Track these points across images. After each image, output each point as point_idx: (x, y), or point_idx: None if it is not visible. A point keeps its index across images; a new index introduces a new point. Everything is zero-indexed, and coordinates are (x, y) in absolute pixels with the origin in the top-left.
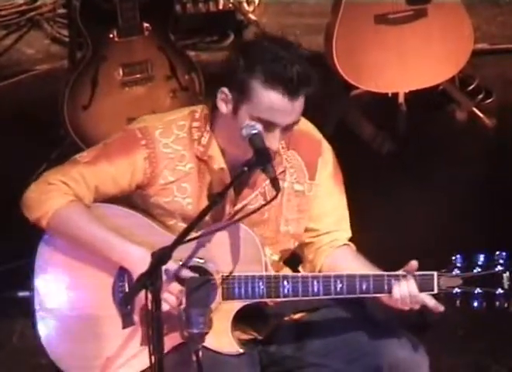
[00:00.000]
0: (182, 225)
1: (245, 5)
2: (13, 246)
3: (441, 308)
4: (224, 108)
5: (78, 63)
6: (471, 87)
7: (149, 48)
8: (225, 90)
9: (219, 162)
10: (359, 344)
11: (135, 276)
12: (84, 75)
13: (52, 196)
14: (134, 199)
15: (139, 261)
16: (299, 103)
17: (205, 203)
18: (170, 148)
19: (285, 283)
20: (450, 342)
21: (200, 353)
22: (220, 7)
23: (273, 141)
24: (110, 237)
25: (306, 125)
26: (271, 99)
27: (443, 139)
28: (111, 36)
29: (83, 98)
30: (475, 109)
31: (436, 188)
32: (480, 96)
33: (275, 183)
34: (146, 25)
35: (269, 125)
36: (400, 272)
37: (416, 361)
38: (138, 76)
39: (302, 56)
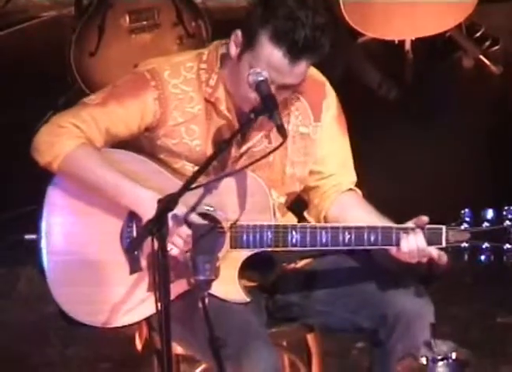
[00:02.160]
0: (189, 168)
1: None
2: (19, 193)
3: (445, 258)
4: (234, 50)
5: (85, 10)
6: (477, 35)
7: None
8: (238, 32)
9: (226, 104)
10: (365, 293)
11: (145, 220)
12: (90, 22)
13: (63, 139)
14: (141, 142)
15: (149, 205)
16: (300, 68)
17: (211, 146)
18: (179, 89)
19: (294, 233)
20: (457, 290)
21: (206, 300)
22: None
23: None
24: (121, 181)
25: (310, 69)
26: (271, 55)
27: (449, 87)
28: None
29: (90, 44)
30: (481, 56)
31: (442, 136)
32: (487, 43)
33: (281, 130)
34: None
35: (265, 79)
36: (409, 224)
37: (422, 310)
38: (145, 23)
39: (319, 23)
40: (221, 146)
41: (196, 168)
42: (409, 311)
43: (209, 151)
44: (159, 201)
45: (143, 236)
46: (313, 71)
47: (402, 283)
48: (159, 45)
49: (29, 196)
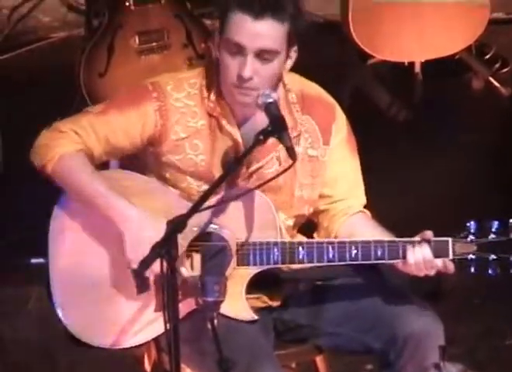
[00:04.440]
0: (194, 187)
1: None
2: (29, 211)
3: (452, 267)
4: (216, 53)
5: (95, 31)
6: (487, 56)
7: (165, 16)
8: (216, 33)
9: (228, 119)
10: (375, 314)
11: (127, 237)
12: (100, 43)
13: (61, 143)
14: (147, 159)
15: (132, 222)
16: (267, 26)
17: (217, 160)
18: (181, 102)
19: (300, 249)
20: (464, 310)
21: (215, 322)
22: None
23: (243, 67)
24: (109, 195)
25: (318, 90)
26: (236, 19)
27: (459, 108)
28: (127, 3)
29: (99, 65)
30: (491, 78)
31: (451, 157)
32: (496, 65)
33: (290, 152)
34: None
35: (238, 48)
36: (415, 238)
37: (431, 331)
38: (154, 44)
39: None
40: (230, 166)
41: (202, 187)
42: (418, 331)
43: (215, 167)
44: (168, 223)
45: (151, 258)
46: (322, 93)
47: (411, 303)
48: (168, 66)
49: (37, 214)
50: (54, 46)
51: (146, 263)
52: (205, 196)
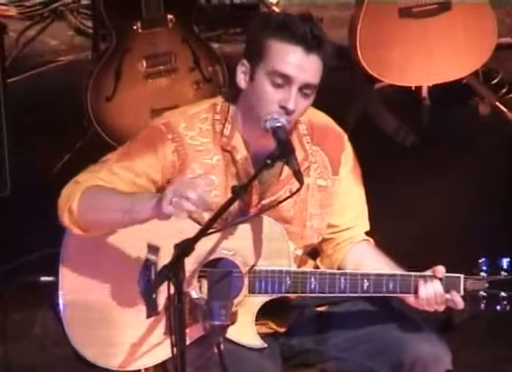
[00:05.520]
0: (206, 216)
1: None
2: (39, 235)
3: (460, 302)
4: (243, 81)
5: (102, 55)
6: (494, 81)
7: (173, 40)
8: (243, 61)
9: (241, 152)
10: (382, 339)
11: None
12: (107, 67)
13: (79, 186)
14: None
15: None
16: (315, 60)
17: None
18: (197, 140)
19: (312, 279)
20: (470, 335)
21: (222, 346)
22: None
23: (289, 99)
24: (135, 196)
25: (326, 120)
26: (286, 50)
27: (466, 133)
28: (135, 27)
29: (107, 89)
30: (498, 103)
31: (457, 182)
32: (504, 90)
33: (298, 175)
34: (170, 16)
35: (284, 80)
36: (427, 273)
37: (438, 357)
38: (162, 68)
39: (314, 22)
40: (238, 191)
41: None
42: (425, 357)
43: None
44: (175, 247)
45: (159, 280)
46: (331, 122)
47: (418, 328)
48: (175, 90)
49: (43, 238)
50: (62, 69)
51: (154, 285)
52: (213, 221)
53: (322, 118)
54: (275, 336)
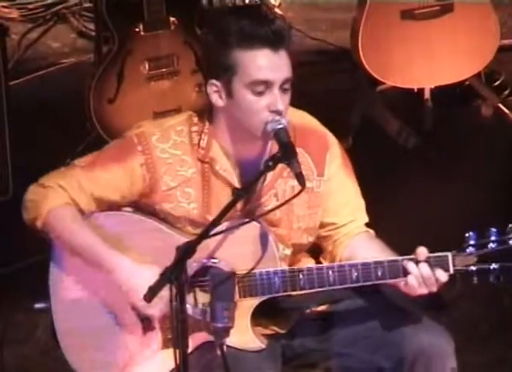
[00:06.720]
0: (190, 229)
1: None
2: (41, 239)
3: (443, 276)
4: (219, 99)
5: (104, 57)
6: (497, 83)
7: (175, 42)
8: (212, 81)
9: (221, 164)
10: (382, 333)
11: (123, 287)
12: (110, 69)
13: (48, 198)
14: (141, 207)
15: (126, 272)
16: (283, 54)
17: (211, 207)
18: (167, 153)
19: (301, 276)
20: (475, 339)
21: (225, 348)
22: (246, 1)
23: (276, 102)
24: (99, 246)
25: (307, 120)
26: (255, 57)
27: (468, 135)
28: (137, 30)
29: (109, 91)
30: (500, 105)
31: (460, 184)
32: (506, 92)
33: (300, 178)
34: (172, 19)
35: (265, 86)
36: (414, 256)
37: (441, 348)
38: (164, 70)
39: (266, 15)
40: (239, 193)
41: (197, 230)
42: (428, 347)
43: (209, 213)
44: (177, 249)
45: (160, 284)
46: (314, 123)
47: (419, 319)
48: (178, 92)
49: (45, 241)
50: (64, 72)
51: (155, 289)
52: (213, 224)
53: (304, 120)
54: (276, 337)
